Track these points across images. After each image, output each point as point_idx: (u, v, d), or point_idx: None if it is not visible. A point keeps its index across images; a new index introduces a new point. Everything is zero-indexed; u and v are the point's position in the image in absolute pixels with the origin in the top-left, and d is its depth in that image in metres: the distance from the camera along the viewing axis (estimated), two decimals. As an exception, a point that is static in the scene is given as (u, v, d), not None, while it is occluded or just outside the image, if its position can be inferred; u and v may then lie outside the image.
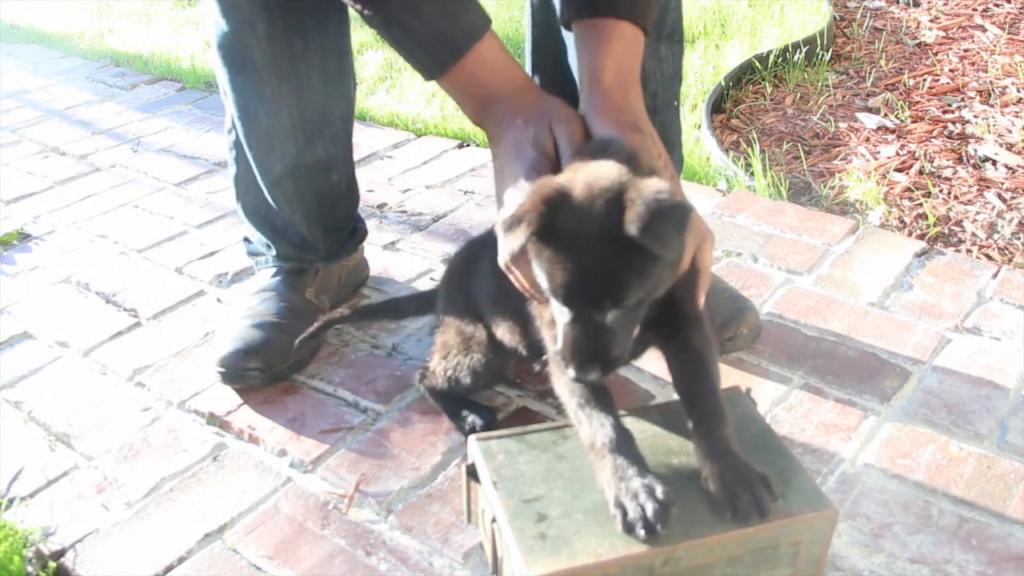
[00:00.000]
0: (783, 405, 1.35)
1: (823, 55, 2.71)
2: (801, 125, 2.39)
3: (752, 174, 2.06)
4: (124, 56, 3.39)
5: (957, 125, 2.30)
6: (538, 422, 1.05)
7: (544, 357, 1.08)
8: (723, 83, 2.52)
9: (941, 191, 2.00)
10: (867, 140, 2.27)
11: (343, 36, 1.45)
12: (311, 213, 1.53)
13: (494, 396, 1.39)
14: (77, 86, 3.09)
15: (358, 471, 1.27)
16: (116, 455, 1.34)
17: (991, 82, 2.51)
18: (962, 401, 1.34)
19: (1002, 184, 2.01)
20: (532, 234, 0.90)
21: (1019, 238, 1.81)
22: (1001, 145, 2.18)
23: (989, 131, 2.24)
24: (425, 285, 1.69)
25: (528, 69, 1.51)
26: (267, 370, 1.43)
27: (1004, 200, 1.95)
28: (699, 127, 2.33)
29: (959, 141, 2.22)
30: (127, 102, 2.89)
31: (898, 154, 2.17)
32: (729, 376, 1.41)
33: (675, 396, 1.37)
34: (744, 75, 2.64)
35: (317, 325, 1.46)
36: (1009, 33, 2.82)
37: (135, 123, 2.69)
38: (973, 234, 1.84)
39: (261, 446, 1.34)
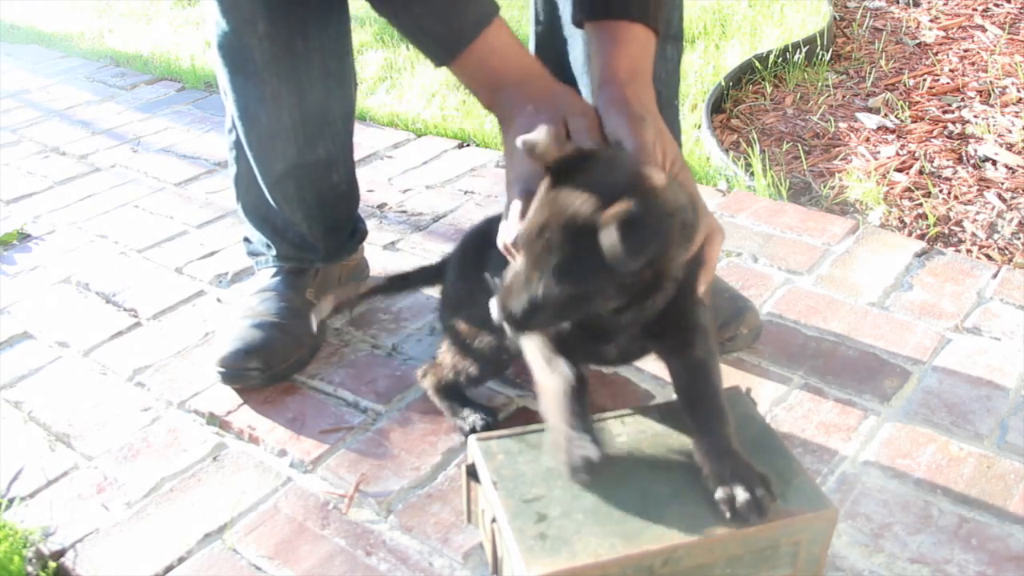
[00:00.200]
0: (783, 405, 1.35)
1: (823, 55, 2.72)
2: (801, 125, 2.39)
3: (752, 174, 2.07)
4: (124, 56, 3.39)
5: (957, 125, 2.30)
6: (538, 422, 1.05)
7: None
8: (723, 83, 2.52)
9: (941, 191, 2.00)
10: (867, 140, 2.27)
11: (344, 36, 1.45)
12: (311, 213, 1.53)
13: (494, 396, 1.39)
14: (77, 86, 3.09)
15: (358, 471, 1.27)
16: (116, 455, 1.34)
17: (991, 82, 2.51)
18: (962, 401, 1.34)
19: (1002, 184, 2.01)
20: (553, 148, 0.89)
21: (1019, 238, 1.81)
22: (1001, 145, 2.18)
23: (989, 131, 2.24)
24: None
25: None
26: (267, 370, 1.43)
27: (1004, 200, 1.95)
28: (699, 127, 2.33)
29: (959, 141, 2.22)
30: (127, 102, 2.89)
31: (898, 154, 2.17)
32: (729, 376, 1.41)
33: (675, 396, 1.37)
34: (744, 75, 2.65)
35: (337, 303, 1.45)
36: (1009, 33, 2.82)
37: (135, 123, 2.69)
38: (973, 234, 1.84)
39: (261, 446, 1.34)
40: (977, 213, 1.90)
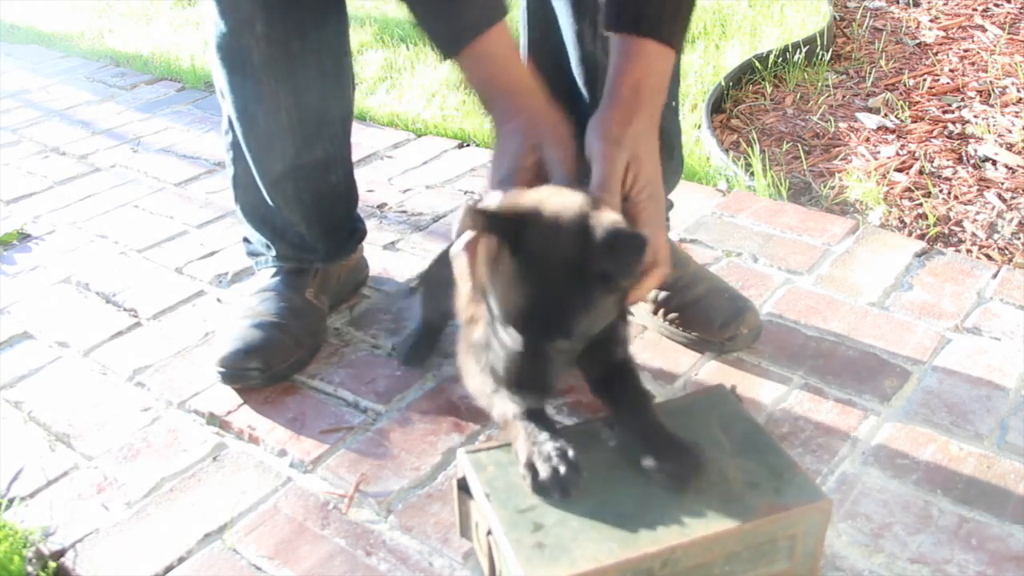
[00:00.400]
0: (783, 405, 1.35)
1: (823, 55, 2.71)
2: (801, 125, 2.39)
3: (752, 174, 2.06)
4: (124, 56, 3.39)
5: (957, 125, 2.30)
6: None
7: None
8: (723, 83, 2.52)
9: (941, 191, 2.00)
10: (867, 140, 2.27)
11: (342, 36, 1.45)
12: (310, 214, 1.53)
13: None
14: (77, 86, 3.09)
15: (358, 471, 1.27)
16: (116, 455, 1.34)
17: (991, 82, 2.51)
18: (962, 401, 1.34)
19: (1002, 184, 2.01)
20: (495, 231, 0.93)
21: (1019, 238, 1.81)
22: (1001, 145, 2.18)
23: (989, 131, 2.24)
24: (425, 285, 1.69)
25: None
26: (267, 370, 1.43)
27: (1004, 200, 1.95)
28: (699, 127, 2.33)
29: (959, 141, 2.22)
30: (127, 102, 2.89)
31: (898, 154, 2.17)
32: (729, 376, 1.42)
33: (675, 396, 1.38)
34: (744, 75, 2.64)
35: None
36: (1009, 33, 2.82)
37: (135, 123, 2.69)
38: (973, 234, 1.84)
39: (261, 446, 1.34)
40: (977, 213, 1.90)
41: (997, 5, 3.04)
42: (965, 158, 2.14)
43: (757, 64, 2.66)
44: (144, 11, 4.09)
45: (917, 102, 2.44)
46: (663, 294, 1.48)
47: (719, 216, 1.90)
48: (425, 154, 2.32)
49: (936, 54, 2.75)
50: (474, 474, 1.00)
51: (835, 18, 3.02)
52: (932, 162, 2.13)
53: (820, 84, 2.60)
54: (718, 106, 2.48)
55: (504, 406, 1.04)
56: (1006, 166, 2.09)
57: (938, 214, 1.90)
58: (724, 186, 2.04)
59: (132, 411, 1.43)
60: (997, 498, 1.17)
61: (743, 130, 2.37)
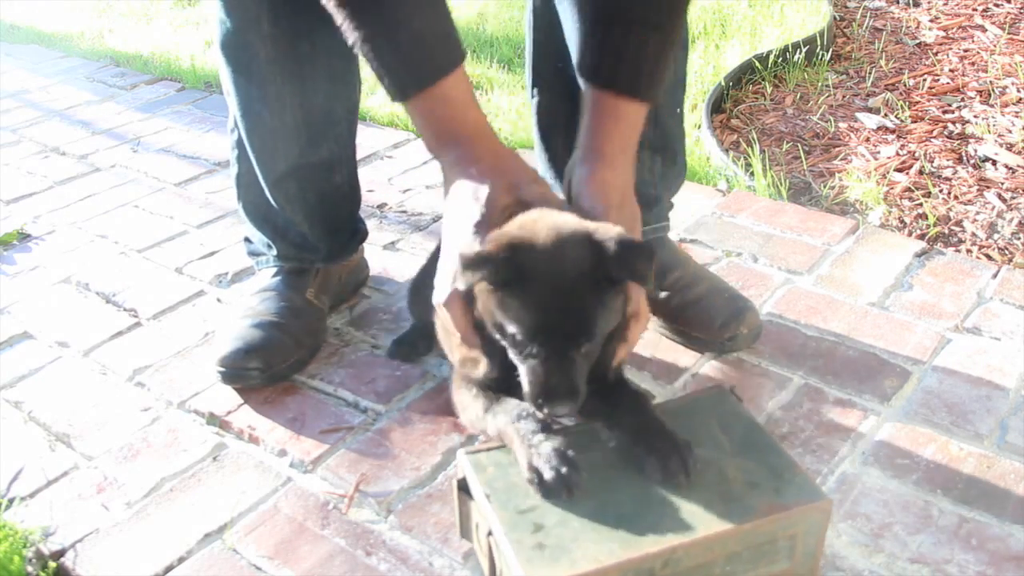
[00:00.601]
0: (783, 405, 1.35)
1: (823, 55, 2.71)
2: (801, 125, 2.39)
3: (752, 174, 2.06)
4: (124, 56, 3.39)
5: (957, 125, 2.30)
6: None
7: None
8: (723, 83, 2.52)
9: (941, 191, 2.00)
10: (867, 140, 2.27)
11: None
12: (313, 213, 1.52)
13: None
14: (77, 86, 3.09)
15: (358, 471, 1.27)
16: (116, 455, 1.34)
17: (991, 82, 2.51)
18: (962, 401, 1.34)
19: (1002, 184, 2.01)
20: (493, 276, 0.95)
21: (1019, 238, 1.81)
22: (1001, 145, 2.18)
23: (989, 131, 2.24)
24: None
25: (527, 71, 1.51)
26: (267, 370, 1.43)
27: (1004, 200, 1.95)
28: (699, 127, 2.33)
29: (959, 141, 2.22)
30: (127, 102, 2.89)
31: (898, 154, 2.17)
32: (729, 376, 1.42)
33: (675, 396, 1.38)
34: (744, 75, 2.64)
35: None
36: (1009, 33, 2.82)
37: (135, 123, 2.69)
38: (973, 234, 1.84)
39: (261, 446, 1.34)
40: (977, 213, 1.90)
41: (997, 5, 3.04)
42: (965, 158, 2.14)
43: (757, 64, 2.66)
44: (144, 11, 4.09)
45: (917, 102, 2.44)
46: (663, 294, 1.48)
47: (719, 216, 1.90)
48: (425, 154, 2.30)
49: (936, 54, 2.75)
50: (474, 475, 1.00)
51: (835, 18, 3.02)
52: (932, 162, 2.12)
53: (820, 84, 2.60)
54: (718, 106, 2.48)
55: (497, 419, 1.04)
56: (1006, 166, 2.09)
57: (938, 214, 1.90)
58: (724, 186, 2.04)
59: (132, 411, 1.43)
60: (997, 498, 1.17)
61: (743, 130, 2.37)
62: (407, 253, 1.84)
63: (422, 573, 1.11)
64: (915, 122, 2.34)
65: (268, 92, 1.39)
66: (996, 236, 1.83)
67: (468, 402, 1.09)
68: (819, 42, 2.74)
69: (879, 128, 2.32)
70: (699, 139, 2.27)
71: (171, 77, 3.10)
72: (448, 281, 1.05)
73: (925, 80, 2.56)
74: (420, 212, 2.01)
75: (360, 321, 1.62)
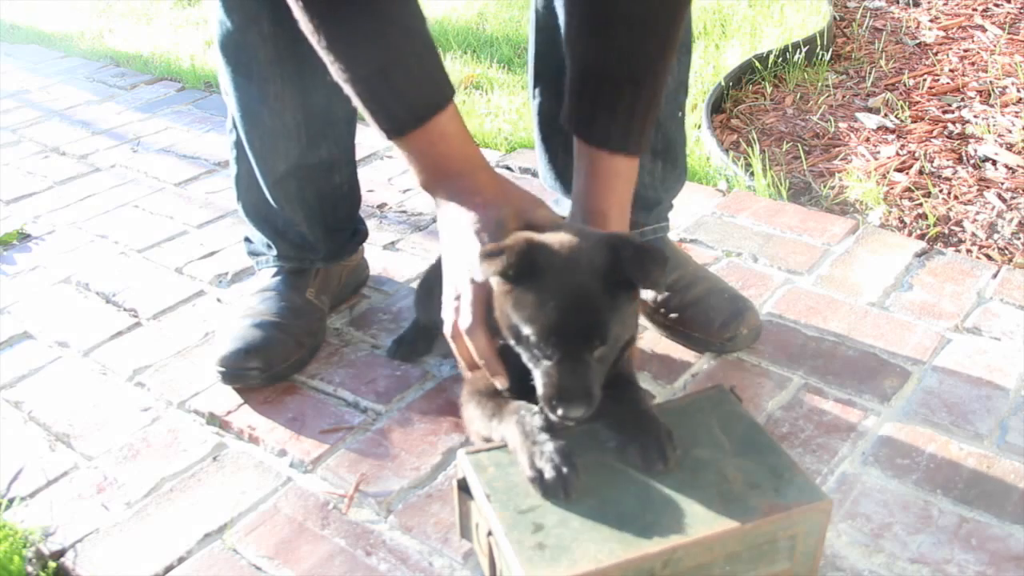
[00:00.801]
0: (783, 405, 1.35)
1: (823, 55, 2.71)
2: (801, 125, 2.39)
3: (752, 174, 2.06)
4: (124, 56, 3.39)
5: (957, 125, 2.30)
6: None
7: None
8: (723, 83, 2.52)
9: (941, 191, 2.00)
10: (867, 140, 2.27)
11: None
12: (312, 214, 1.52)
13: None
14: (77, 86, 3.09)
15: (358, 471, 1.27)
16: (116, 455, 1.34)
17: (991, 82, 2.51)
18: (962, 401, 1.34)
19: (1002, 184, 2.01)
20: (508, 266, 0.96)
21: (1019, 238, 1.81)
22: (1001, 145, 2.18)
23: (989, 131, 2.24)
24: (425, 285, 1.69)
25: (530, 76, 1.51)
26: (267, 370, 1.43)
27: (1004, 200, 1.95)
28: (699, 127, 2.33)
29: (959, 141, 2.22)
30: (127, 102, 2.89)
31: (898, 154, 2.17)
32: (729, 376, 1.42)
33: (675, 396, 1.38)
34: (744, 75, 2.64)
35: None
36: (1009, 33, 2.82)
37: (135, 123, 2.69)
38: (973, 234, 1.84)
39: (261, 446, 1.34)
40: (977, 213, 1.90)
41: (997, 5, 3.04)
42: (965, 158, 2.14)
43: (757, 64, 2.66)
44: (144, 11, 4.09)
45: (917, 102, 2.44)
46: (663, 294, 1.48)
47: (719, 216, 1.90)
48: (425, 154, 2.32)
49: (936, 54, 2.75)
50: (474, 475, 1.00)
51: (835, 18, 3.02)
52: (932, 162, 2.13)
53: (820, 84, 2.60)
54: (718, 106, 2.48)
55: (502, 422, 1.04)
56: (1006, 166, 2.09)
57: (938, 214, 1.90)
58: (724, 186, 2.04)
59: (132, 411, 1.43)
60: (997, 498, 1.17)
61: (743, 130, 2.37)
62: (407, 253, 1.84)
63: (422, 573, 1.11)
64: (915, 122, 2.34)
65: (268, 92, 1.39)
66: (996, 236, 1.83)
67: (475, 415, 1.09)
68: (819, 42, 2.74)
69: (879, 128, 2.32)
70: (699, 139, 2.27)
71: (171, 77, 3.10)
72: (451, 311, 1.07)
73: (925, 80, 2.56)
74: (420, 212, 2.01)
75: (360, 321, 1.62)
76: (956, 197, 1.97)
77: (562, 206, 1.58)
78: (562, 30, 1.33)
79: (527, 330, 0.97)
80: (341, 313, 1.64)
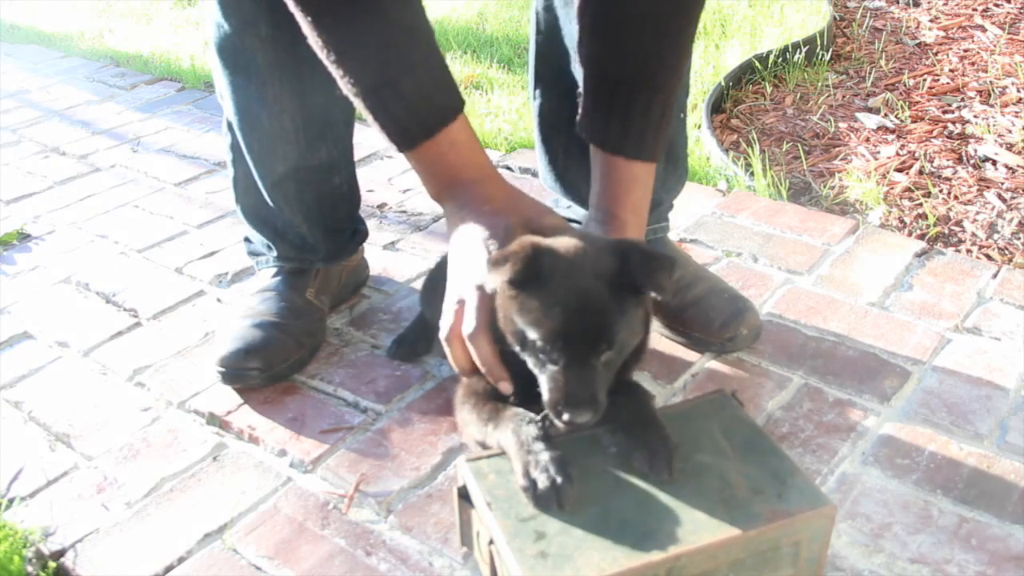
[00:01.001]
0: (783, 405, 1.35)
1: (823, 55, 2.71)
2: (801, 125, 2.39)
3: (752, 174, 2.06)
4: (124, 56, 3.39)
5: (957, 125, 2.30)
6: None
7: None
8: (723, 83, 2.52)
9: (941, 191, 2.00)
10: (867, 140, 2.27)
11: None
12: (311, 215, 1.52)
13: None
14: (77, 86, 3.09)
15: (358, 471, 1.27)
16: (116, 455, 1.34)
17: (991, 82, 2.51)
18: (962, 401, 1.34)
19: (1002, 184, 2.01)
20: (517, 272, 0.95)
21: (1019, 238, 1.81)
22: (1001, 145, 2.18)
23: (989, 131, 2.24)
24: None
25: (531, 76, 1.51)
26: (267, 370, 1.43)
27: (1004, 200, 1.95)
28: (699, 127, 2.33)
29: (959, 141, 2.22)
30: (127, 102, 2.89)
31: (898, 154, 2.17)
32: (729, 376, 1.42)
33: (676, 399, 1.38)
34: (744, 75, 2.64)
35: None
36: (1009, 33, 2.82)
37: (135, 123, 2.69)
38: (973, 234, 1.84)
39: (261, 446, 1.34)
40: (977, 213, 1.90)
41: (997, 5, 3.04)
42: (965, 158, 2.14)
43: (757, 64, 2.66)
44: (144, 11, 4.09)
45: (917, 102, 2.44)
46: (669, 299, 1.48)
47: (719, 216, 1.90)
48: (425, 154, 2.32)
49: (936, 54, 2.75)
50: (475, 483, 0.99)
51: (835, 18, 3.02)
52: (932, 162, 2.12)
53: (820, 84, 2.60)
54: (718, 106, 2.48)
55: (497, 428, 1.03)
56: (1006, 166, 2.09)
57: (938, 214, 1.90)
58: (724, 186, 2.04)
59: (132, 411, 1.43)
60: (997, 498, 1.17)
61: (743, 130, 2.37)
62: (407, 253, 1.84)
63: (422, 573, 1.11)
64: (915, 122, 2.34)
65: (266, 95, 1.38)
66: (996, 236, 1.83)
67: (470, 419, 1.09)
68: (819, 42, 2.74)
69: (879, 128, 2.32)
70: (699, 139, 2.27)
71: (171, 77, 3.10)
72: (450, 316, 1.07)
73: (925, 80, 2.56)
74: (420, 212, 2.01)
75: (360, 321, 1.62)
76: (956, 197, 1.97)
77: (562, 206, 1.58)
78: (574, 37, 1.33)
79: (533, 334, 0.96)
80: (341, 313, 1.64)
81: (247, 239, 1.62)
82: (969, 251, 1.78)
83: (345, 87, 1.08)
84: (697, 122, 2.35)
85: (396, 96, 1.07)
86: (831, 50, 2.79)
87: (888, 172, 2.08)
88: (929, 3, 3.16)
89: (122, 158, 2.44)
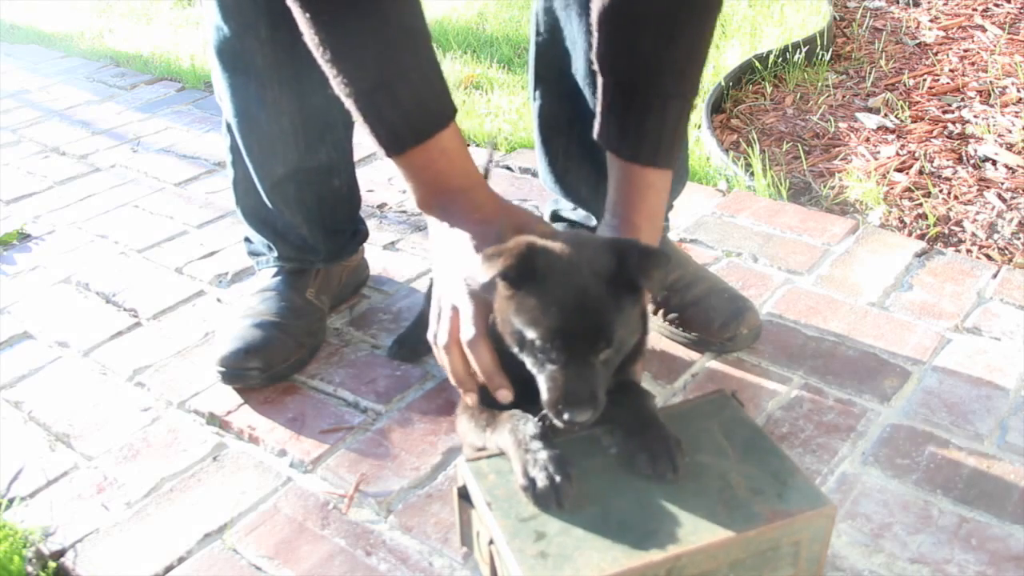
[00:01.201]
0: (783, 405, 1.35)
1: (823, 55, 2.71)
2: (801, 125, 2.39)
3: (752, 174, 2.06)
4: (124, 56, 3.39)
5: (957, 125, 2.30)
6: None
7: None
8: (723, 83, 2.52)
9: (941, 191, 2.00)
10: (867, 140, 2.27)
11: None
12: (311, 216, 1.52)
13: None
14: (77, 86, 3.09)
15: (358, 471, 1.27)
16: (116, 455, 1.34)
17: (991, 82, 2.51)
18: (962, 401, 1.34)
19: (1002, 184, 2.01)
20: (510, 267, 0.95)
21: (1019, 238, 1.81)
22: (1001, 145, 2.18)
23: (989, 131, 2.24)
24: (425, 285, 1.68)
25: (530, 78, 1.51)
26: (267, 370, 1.43)
27: (1004, 200, 1.95)
28: (699, 127, 2.33)
29: (959, 141, 2.22)
30: (127, 102, 2.89)
31: (898, 154, 2.17)
32: (729, 376, 1.42)
33: (676, 399, 1.38)
34: (744, 75, 2.64)
35: None
36: (1009, 33, 2.82)
37: (135, 123, 2.69)
38: (973, 234, 1.84)
39: (261, 446, 1.34)
40: (977, 213, 1.90)
41: (997, 5, 3.04)
42: (965, 158, 2.14)
43: (757, 64, 2.66)
44: (144, 11, 4.09)
45: (917, 102, 2.44)
46: (663, 294, 1.48)
47: (719, 216, 1.90)
48: (425, 154, 2.32)
49: (936, 54, 2.75)
50: (475, 483, 0.99)
51: (835, 18, 3.02)
52: (932, 162, 2.12)
53: (820, 84, 2.60)
54: (718, 106, 2.48)
55: (496, 431, 1.03)
56: (1006, 166, 2.09)
57: (938, 214, 1.90)
58: (724, 186, 2.04)
59: (132, 411, 1.43)
60: (997, 498, 1.17)
61: (743, 130, 2.37)
62: (407, 253, 1.84)
63: (422, 573, 1.11)
64: (915, 122, 2.34)
65: (266, 97, 1.38)
66: (996, 236, 1.83)
67: (469, 428, 1.08)
68: (819, 42, 2.74)
69: (879, 128, 2.32)
70: (699, 139, 2.27)
71: (171, 77, 3.10)
72: (442, 325, 1.07)
73: (925, 80, 2.56)
74: (420, 212, 2.00)
75: (360, 321, 1.62)
76: (956, 197, 1.97)
77: (566, 208, 1.58)
78: (574, 39, 1.34)
79: (531, 334, 0.96)
80: (341, 313, 1.64)
81: (247, 239, 1.62)
82: (969, 251, 1.78)
83: (338, 87, 1.08)
84: (697, 122, 2.35)
85: (390, 100, 1.06)
86: (831, 50, 2.79)
87: (888, 172, 2.08)
88: (929, 3, 3.16)
89: (122, 158, 2.44)
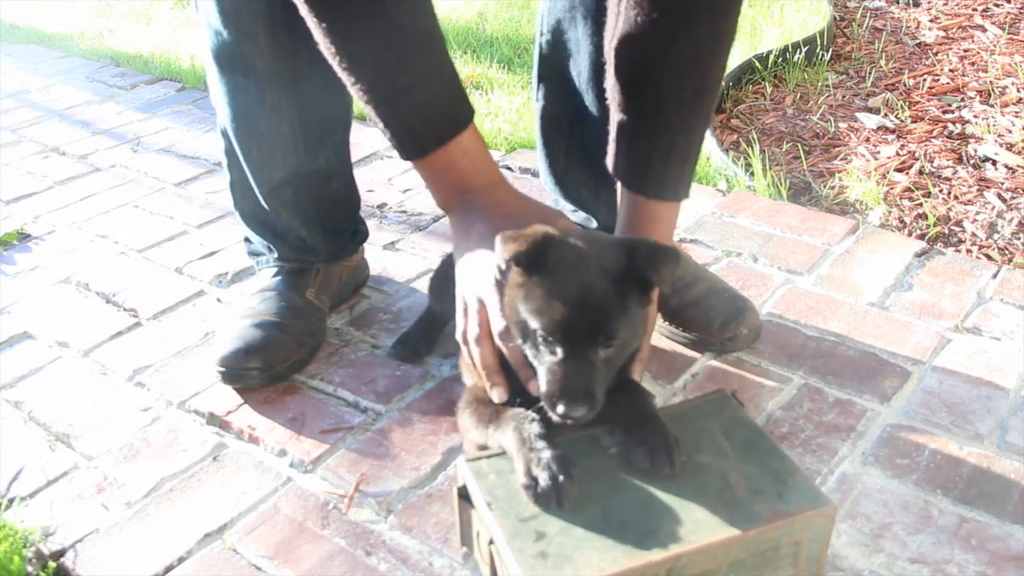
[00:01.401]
0: (783, 405, 1.35)
1: (823, 55, 2.72)
2: (801, 125, 2.39)
3: (752, 174, 2.06)
4: (124, 56, 3.39)
5: (957, 125, 2.30)
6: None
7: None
8: (723, 83, 2.52)
9: (941, 191, 2.00)
10: (867, 140, 2.27)
11: None
12: (309, 218, 1.52)
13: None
14: (77, 86, 3.09)
15: (358, 471, 1.27)
16: (116, 455, 1.34)
17: (991, 82, 2.51)
18: (962, 401, 1.34)
19: (1002, 184, 2.01)
20: (522, 252, 0.96)
21: (1019, 238, 1.81)
22: (1001, 145, 2.18)
23: (989, 131, 2.24)
24: (424, 285, 1.68)
25: (534, 78, 1.51)
26: (267, 370, 1.43)
27: (1004, 200, 1.95)
28: (699, 127, 2.32)
29: (959, 141, 2.22)
30: (127, 102, 2.89)
31: (898, 154, 2.17)
32: (729, 376, 1.42)
33: (676, 399, 1.38)
34: (744, 75, 2.65)
35: None
36: (1009, 33, 2.82)
37: (135, 123, 2.69)
38: (973, 234, 1.84)
39: (261, 446, 1.34)
40: (977, 213, 1.90)
41: (997, 5, 3.04)
42: (965, 158, 2.14)
43: (757, 64, 2.66)
44: (144, 11, 4.09)
45: (917, 102, 2.44)
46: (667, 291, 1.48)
47: (719, 216, 1.90)
48: (425, 154, 2.32)
49: (936, 54, 2.75)
50: (475, 483, 0.99)
51: (835, 18, 3.02)
52: (932, 162, 2.13)
53: (820, 84, 2.60)
54: (718, 106, 2.48)
55: (499, 429, 1.03)
56: (1006, 166, 2.09)
57: (938, 214, 1.90)
58: (724, 186, 2.04)
59: (132, 411, 1.43)
60: (997, 498, 1.17)
61: (743, 130, 2.37)
62: (407, 253, 1.84)
63: (422, 573, 1.11)
64: (915, 122, 2.34)
65: (265, 102, 1.37)
66: (996, 236, 1.83)
67: (471, 423, 1.09)
68: (819, 42, 2.74)
69: (879, 128, 2.32)
70: (699, 139, 2.27)
71: (171, 77, 3.10)
72: (463, 317, 1.08)
73: (925, 80, 2.56)
74: (420, 212, 2.01)
75: (360, 321, 1.62)
76: (956, 197, 1.97)
77: (567, 210, 1.58)
78: (578, 40, 1.34)
79: (534, 324, 0.97)
80: (341, 313, 1.64)
81: (247, 239, 1.62)
82: (969, 251, 1.78)
83: (356, 94, 1.08)
84: (697, 122, 2.35)
85: (410, 105, 1.06)
86: (831, 50, 2.79)
87: (888, 172, 2.08)
88: (929, 3, 3.16)
89: (122, 158, 2.44)
